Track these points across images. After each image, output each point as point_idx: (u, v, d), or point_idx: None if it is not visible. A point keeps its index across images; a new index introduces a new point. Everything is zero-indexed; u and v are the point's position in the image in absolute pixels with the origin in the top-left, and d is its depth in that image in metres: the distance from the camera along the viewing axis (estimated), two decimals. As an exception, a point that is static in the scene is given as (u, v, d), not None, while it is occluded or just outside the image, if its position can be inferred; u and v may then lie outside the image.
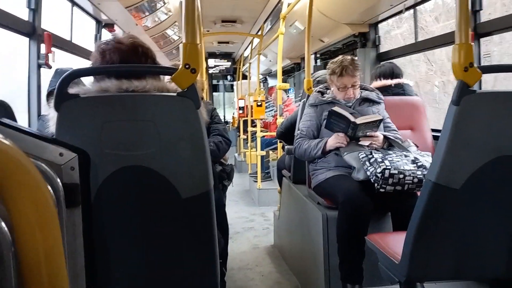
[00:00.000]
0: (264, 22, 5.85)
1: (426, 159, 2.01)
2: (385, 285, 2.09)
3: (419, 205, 1.28)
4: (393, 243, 1.52)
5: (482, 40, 2.63)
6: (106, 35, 4.61)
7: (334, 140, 2.19)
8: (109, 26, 4.63)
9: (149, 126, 1.13)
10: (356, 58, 2.31)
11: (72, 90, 1.15)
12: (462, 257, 1.35)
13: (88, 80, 1.31)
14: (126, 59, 1.32)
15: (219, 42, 8.49)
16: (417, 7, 3.67)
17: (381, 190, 1.96)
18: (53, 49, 2.91)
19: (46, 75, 2.82)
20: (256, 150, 5.40)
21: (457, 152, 1.20)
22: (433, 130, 2.62)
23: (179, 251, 1.22)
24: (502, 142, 1.22)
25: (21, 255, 0.58)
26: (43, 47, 2.85)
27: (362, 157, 2.05)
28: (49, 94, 2.26)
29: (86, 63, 3.73)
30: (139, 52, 1.36)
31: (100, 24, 4.54)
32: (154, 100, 1.16)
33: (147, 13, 4.81)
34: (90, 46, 4.00)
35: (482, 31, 2.55)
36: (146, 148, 1.13)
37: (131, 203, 1.16)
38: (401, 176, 1.93)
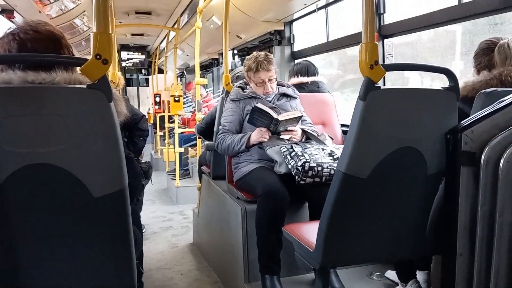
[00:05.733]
0: (181, 15, 5.73)
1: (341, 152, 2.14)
2: (301, 274, 2.19)
3: (330, 195, 1.35)
4: (308, 232, 1.59)
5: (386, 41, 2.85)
6: (4, 23, 4.17)
7: (257, 134, 2.24)
8: (8, 12, 4.20)
9: (56, 120, 1.04)
10: (270, 54, 2.38)
11: None
12: (371, 243, 1.45)
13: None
14: (48, 51, 1.21)
15: (132, 34, 8.13)
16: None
17: (301, 182, 2.05)
18: None
19: None
20: (174, 147, 5.29)
21: (364, 144, 1.29)
22: (342, 125, 2.78)
23: (93, 252, 1.15)
24: (402, 134, 1.33)
25: None
26: None
27: (284, 151, 2.13)
28: None
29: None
30: (62, 44, 1.26)
31: (-3, 10, 4.09)
32: (62, 93, 1.07)
33: (52, 0, 4.45)
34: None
35: (385, 33, 2.77)
36: (53, 145, 1.04)
37: (38, 204, 1.07)
38: (320, 168, 2.03)
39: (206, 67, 8.80)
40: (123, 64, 10.05)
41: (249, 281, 2.20)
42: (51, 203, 1.08)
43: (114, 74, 2.75)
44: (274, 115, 2.18)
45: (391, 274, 2.14)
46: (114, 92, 1.18)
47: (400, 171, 1.37)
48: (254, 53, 2.39)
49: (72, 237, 1.12)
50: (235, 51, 6.37)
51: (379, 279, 2.20)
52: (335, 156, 2.10)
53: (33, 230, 1.08)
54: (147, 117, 8.60)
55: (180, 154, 5.43)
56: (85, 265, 1.15)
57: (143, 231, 3.72)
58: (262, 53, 2.38)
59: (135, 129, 2.51)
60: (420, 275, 1.93)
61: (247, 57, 2.41)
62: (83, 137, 1.06)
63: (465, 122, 1.30)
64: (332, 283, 2.02)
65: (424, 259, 1.95)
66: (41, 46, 1.21)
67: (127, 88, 11.84)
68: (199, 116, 3.79)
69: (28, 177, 1.03)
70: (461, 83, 1.52)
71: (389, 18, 2.85)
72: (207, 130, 3.11)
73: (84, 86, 1.07)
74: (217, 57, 7.81)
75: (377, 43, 1.22)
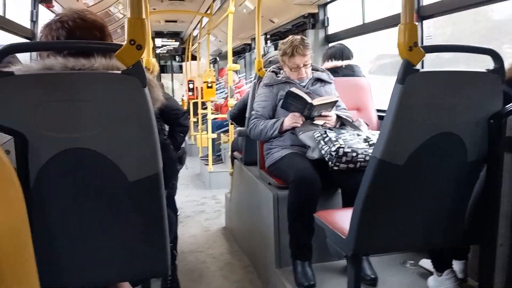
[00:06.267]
0: (214, 0, 5.72)
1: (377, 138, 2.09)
2: (333, 260, 2.18)
3: (364, 181, 1.33)
4: (341, 219, 1.57)
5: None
6: (43, 12, 4.30)
7: (290, 120, 2.22)
8: (47, 1, 4.31)
9: (91, 106, 1.07)
10: (306, 38, 2.33)
11: (13, 68, 1.06)
12: (406, 230, 1.41)
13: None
14: (94, 39, 1.25)
15: (166, 21, 8.21)
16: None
17: (335, 168, 2.02)
18: (-17, 24, 2.68)
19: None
20: (207, 133, 5.34)
21: (401, 130, 1.25)
22: (378, 111, 2.71)
23: (127, 235, 1.19)
24: (441, 119, 1.28)
25: None
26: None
27: (317, 137, 2.10)
28: None
29: (21, 41, 3.47)
30: (106, 32, 1.29)
31: (37, -1, 4.21)
32: (96, 79, 1.10)
33: (89, -11, 4.54)
34: (26, 22, 3.72)
35: (424, 14, 2.65)
36: (89, 130, 1.07)
37: (76, 188, 1.11)
38: (354, 154, 1.99)
39: (238, 53, 8.79)
40: (158, 51, 10.18)
41: (280, 266, 2.21)
42: (88, 187, 1.11)
43: (149, 61, 2.78)
44: (309, 99, 2.15)
45: (426, 263, 2.09)
46: (150, 78, 1.19)
47: (439, 157, 1.32)
48: (290, 37, 2.34)
49: (108, 220, 1.15)
50: (268, 36, 6.31)
51: (413, 267, 2.16)
52: (370, 142, 2.05)
53: (70, 213, 1.12)
54: (181, 103, 8.68)
55: (213, 140, 5.49)
56: (120, 247, 1.18)
57: (178, 214, 3.81)
58: (298, 37, 2.33)
59: (176, 125, 2.56)
60: (456, 265, 1.88)
61: (282, 41, 2.37)
62: (118, 122, 1.09)
63: (510, 106, 1.24)
64: (364, 271, 1.99)
65: (461, 248, 1.89)
66: (88, 34, 1.25)
67: (161, 74, 12.00)
68: (232, 102, 3.79)
69: (66, 162, 1.07)
70: (507, 65, 1.44)
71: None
72: (239, 116, 3.11)
73: (118, 72, 1.08)
74: (249, 42, 7.76)
75: (416, 23, 1.17)
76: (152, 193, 1.16)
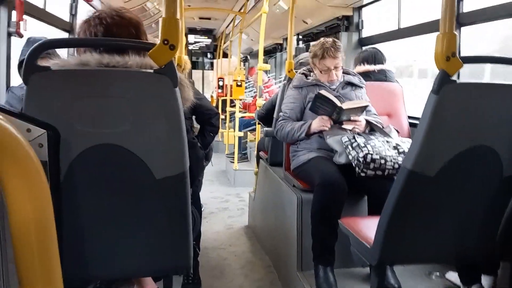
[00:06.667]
0: (248, -1, 5.73)
1: (407, 146, 2.03)
2: (356, 267, 2.14)
3: (393, 191, 1.30)
4: (366, 228, 1.54)
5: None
6: (82, 5, 4.42)
7: (318, 123, 2.20)
8: (87, -5, 4.42)
9: (122, 103, 1.09)
10: (338, 40, 2.30)
11: (51, 62, 1.09)
12: (434, 243, 1.38)
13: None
14: (130, 36, 1.28)
15: (200, 18, 8.29)
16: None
17: (362, 174, 1.99)
18: (25, 17, 2.77)
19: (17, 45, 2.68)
20: (234, 131, 5.36)
21: (434, 141, 1.21)
22: (410, 117, 2.65)
23: (152, 231, 1.20)
24: (477, 132, 1.24)
25: (12, 226, 0.57)
26: (14, 14, 2.70)
27: (345, 141, 2.07)
28: (21, 64, 2.16)
29: (59, 33, 3.59)
30: (141, 30, 1.32)
31: (76, -7, 4.33)
32: (129, 76, 1.11)
33: (126, -16, 4.63)
34: (65, 15, 3.83)
35: (464, 21, 2.56)
36: (119, 126, 1.09)
37: (103, 182, 1.13)
38: (383, 161, 1.95)
39: (269, 52, 8.77)
40: (190, 47, 10.29)
41: (302, 269, 2.19)
42: (115, 183, 1.13)
43: (181, 58, 2.81)
44: (338, 103, 2.12)
45: (453, 276, 2.02)
46: (182, 78, 1.20)
47: (472, 171, 1.28)
48: (322, 39, 2.32)
49: (133, 215, 1.17)
50: (300, 37, 6.26)
51: (439, 279, 2.09)
52: (400, 150, 2.00)
53: (97, 207, 1.14)
54: (210, 100, 8.76)
55: (240, 138, 5.52)
56: (144, 243, 1.20)
57: (202, 209, 3.84)
58: (330, 39, 2.30)
59: (208, 124, 2.61)
60: (485, 280, 1.81)
61: (313, 43, 2.35)
62: (147, 120, 1.10)
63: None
64: (387, 279, 1.95)
65: (491, 262, 1.82)
66: (124, 31, 1.27)
67: (193, 71, 12.11)
68: (260, 101, 3.79)
69: (95, 157, 1.09)
70: None
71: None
72: (266, 116, 3.10)
73: (151, 71, 1.10)
74: (281, 42, 7.73)
75: (456, 33, 1.13)
76: (178, 191, 1.17)
